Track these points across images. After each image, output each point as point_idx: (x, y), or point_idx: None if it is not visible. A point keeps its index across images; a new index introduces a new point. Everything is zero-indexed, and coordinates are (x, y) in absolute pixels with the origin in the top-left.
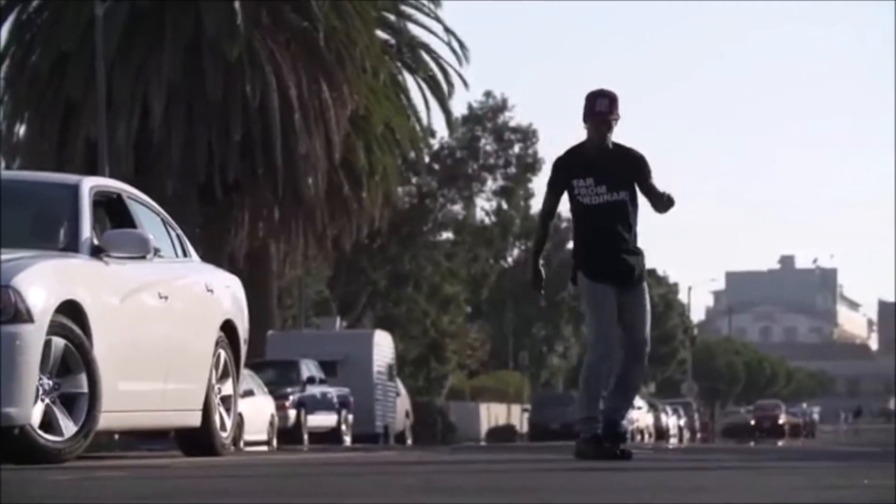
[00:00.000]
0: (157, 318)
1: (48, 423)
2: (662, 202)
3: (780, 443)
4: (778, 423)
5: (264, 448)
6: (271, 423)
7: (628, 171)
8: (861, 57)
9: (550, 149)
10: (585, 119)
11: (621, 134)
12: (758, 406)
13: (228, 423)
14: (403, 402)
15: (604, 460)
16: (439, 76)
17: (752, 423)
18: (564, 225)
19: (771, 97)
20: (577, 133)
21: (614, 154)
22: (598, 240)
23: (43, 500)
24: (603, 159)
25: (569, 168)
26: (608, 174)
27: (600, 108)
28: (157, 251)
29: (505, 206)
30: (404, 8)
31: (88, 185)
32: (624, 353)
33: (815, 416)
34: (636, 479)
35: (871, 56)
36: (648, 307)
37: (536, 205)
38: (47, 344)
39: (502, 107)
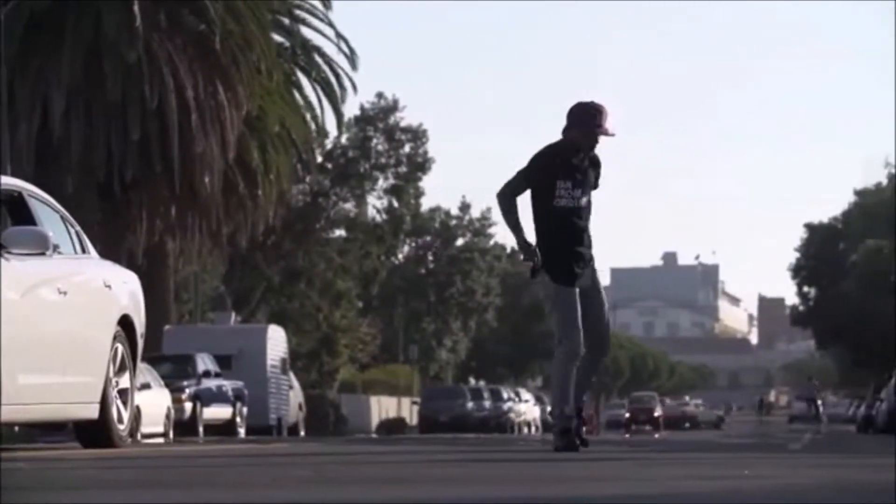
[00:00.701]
0: (57, 313)
1: None
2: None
3: (656, 435)
4: (653, 415)
5: (161, 440)
6: (167, 416)
7: (595, 177)
8: (738, 54)
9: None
10: (580, 125)
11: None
12: (633, 399)
13: (126, 415)
14: (296, 395)
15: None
16: (331, 79)
17: (627, 415)
18: (454, 222)
19: (652, 90)
20: (470, 133)
21: (591, 162)
22: (571, 243)
23: None
24: (582, 166)
25: (552, 167)
26: (585, 179)
27: (601, 121)
28: (56, 248)
29: (396, 204)
30: (298, 12)
31: None
32: (589, 349)
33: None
34: (521, 470)
35: (749, 53)
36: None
37: (426, 202)
38: None
39: (393, 107)
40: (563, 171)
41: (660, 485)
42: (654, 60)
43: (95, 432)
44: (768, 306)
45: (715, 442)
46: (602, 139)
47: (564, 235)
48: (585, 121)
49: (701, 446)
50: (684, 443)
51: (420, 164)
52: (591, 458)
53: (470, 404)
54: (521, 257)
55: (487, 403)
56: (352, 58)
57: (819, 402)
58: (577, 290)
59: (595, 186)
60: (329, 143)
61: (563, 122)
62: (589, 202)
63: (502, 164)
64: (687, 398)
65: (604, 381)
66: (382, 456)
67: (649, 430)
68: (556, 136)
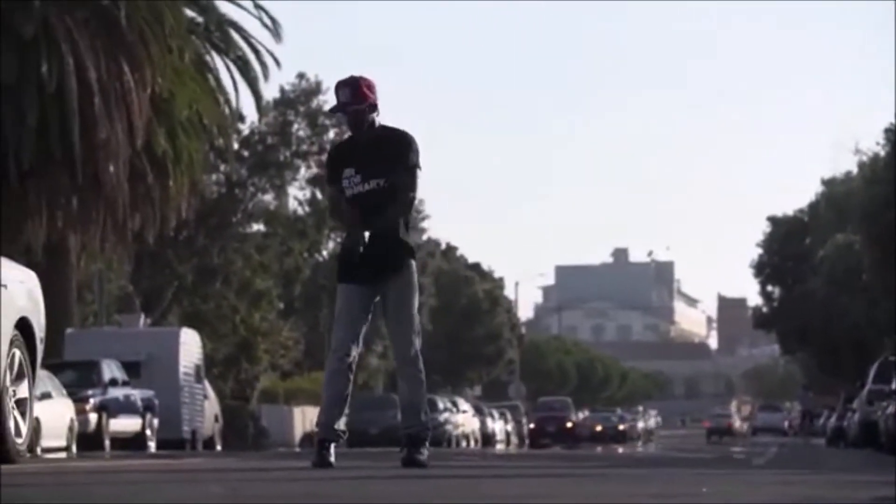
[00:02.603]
0: None
1: None
2: (397, 205)
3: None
4: (566, 426)
5: (63, 455)
6: (70, 428)
7: (390, 156)
8: (695, 29)
9: None
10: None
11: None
12: (540, 405)
13: (24, 427)
14: (212, 406)
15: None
16: (250, 56)
17: (531, 426)
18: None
19: (604, 68)
20: (402, 116)
21: (377, 140)
22: (351, 235)
23: None
24: (365, 147)
25: (336, 158)
26: (366, 163)
27: (342, 98)
28: None
29: (319, 195)
30: None
31: None
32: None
33: (652, 422)
34: (456, 488)
35: (706, 27)
36: (414, 301)
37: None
38: None
39: (316, 90)
40: (347, 160)
41: None
42: (606, 36)
43: None
44: (728, 307)
45: (668, 457)
46: (356, 114)
47: (350, 225)
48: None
49: (648, 462)
50: (621, 457)
51: None
52: (524, 475)
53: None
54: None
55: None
56: (275, 29)
57: (812, 415)
58: (357, 287)
59: (399, 165)
60: (246, 129)
61: (504, 99)
62: (384, 185)
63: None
64: (618, 409)
65: (548, 390)
66: (305, 472)
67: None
68: (492, 117)
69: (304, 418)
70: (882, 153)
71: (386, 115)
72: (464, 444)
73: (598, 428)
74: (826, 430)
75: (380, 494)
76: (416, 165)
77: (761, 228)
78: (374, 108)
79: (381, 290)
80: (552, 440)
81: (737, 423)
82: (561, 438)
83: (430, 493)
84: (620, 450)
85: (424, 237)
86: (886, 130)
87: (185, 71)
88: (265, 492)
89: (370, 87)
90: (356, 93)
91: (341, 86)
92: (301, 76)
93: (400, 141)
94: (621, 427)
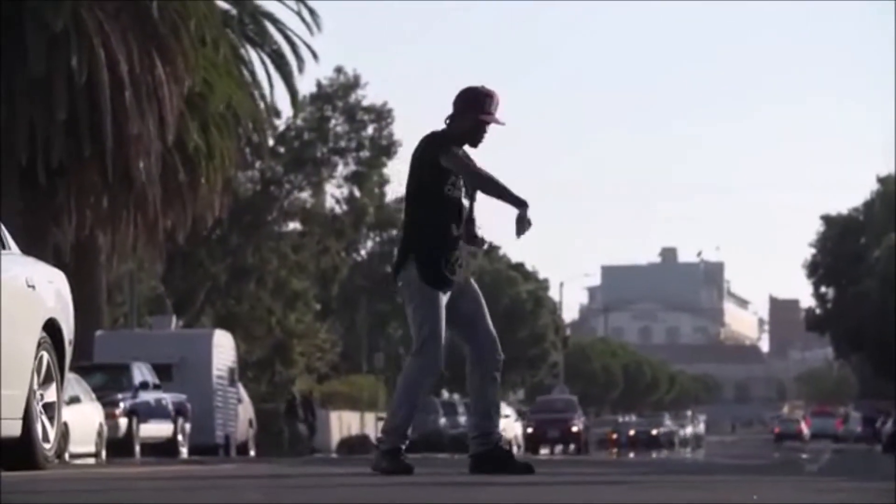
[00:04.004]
0: None
1: None
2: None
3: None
4: (571, 430)
5: (92, 461)
6: (99, 434)
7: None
8: (745, 32)
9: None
10: (468, 112)
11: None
12: (540, 405)
13: (52, 433)
14: (246, 410)
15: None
16: (286, 49)
17: (530, 430)
18: None
19: (651, 74)
20: (441, 113)
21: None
22: (450, 240)
23: None
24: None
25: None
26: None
27: (495, 110)
28: None
29: (357, 193)
30: None
31: None
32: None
33: (701, 427)
34: (500, 496)
35: (757, 31)
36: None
37: (391, 191)
38: None
39: (354, 84)
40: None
41: None
42: (656, 41)
43: (17, 452)
44: (780, 309)
45: (716, 463)
46: (486, 129)
47: (448, 230)
48: (474, 108)
49: (696, 468)
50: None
51: (385, 148)
52: (573, 483)
53: (443, 420)
54: (518, 218)
55: (463, 419)
56: (313, 21)
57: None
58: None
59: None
60: (282, 125)
61: (549, 97)
62: (470, 206)
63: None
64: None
65: (594, 394)
66: (342, 479)
67: (571, 450)
68: (533, 117)
69: (342, 423)
70: None
71: (432, 111)
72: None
73: (631, 432)
74: (881, 435)
75: (410, 500)
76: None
77: (815, 228)
78: None
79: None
80: (552, 447)
81: (805, 429)
82: (564, 442)
83: (490, 497)
84: (654, 455)
85: None
86: None
87: (219, 64)
88: (302, 499)
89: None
90: (497, 105)
91: (495, 98)
92: (339, 70)
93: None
94: (654, 432)
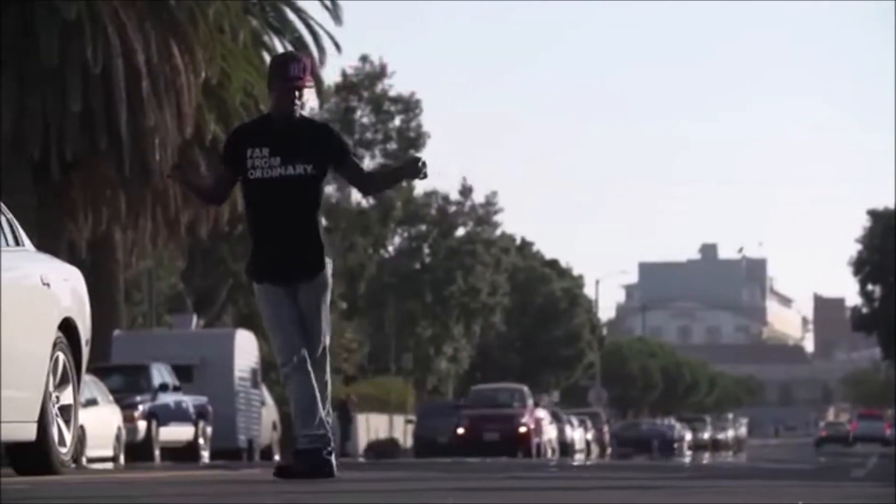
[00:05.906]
0: None
1: None
2: (381, 176)
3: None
4: (518, 432)
5: (110, 465)
6: (117, 437)
7: (317, 145)
8: (784, 23)
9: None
10: (272, 86)
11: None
12: (475, 395)
13: (68, 436)
14: (270, 413)
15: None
16: (308, 38)
17: (460, 431)
18: (453, 208)
19: (690, 63)
20: (471, 104)
21: (302, 126)
22: (267, 226)
23: None
24: (288, 130)
25: (243, 137)
26: (289, 146)
27: (294, 72)
28: None
29: None
30: None
31: None
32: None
33: (742, 430)
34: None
35: (798, 21)
36: (327, 307)
37: (421, 185)
38: None
39: (381, 74)
40: (257, 139)
41: None
42: (694, 32)
43: (32, 456)
44: (825, 308)
45: (759, 468)
46: (297, 92)
47: (263, 216)
48: (273, 78)
49: (740, 472)
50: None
51: (412, 140)
52: (611, 487)
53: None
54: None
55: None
56: (335, 10)
57: None
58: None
59: (335, 159)
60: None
61: (585, 91)
62: (311, 172)
63: (508, 140)
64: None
65: (632, 396)
66: (370, 485)
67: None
68: (568, 105)
69: (369, 426)
70: None
71: (461, 102)
72: (541, 453)
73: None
74: None
75: None
76: (353, 153)
77: (861, 223)
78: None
79: (295, 288)
80: (493, 451)
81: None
82: (509, 449)
83: None
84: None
85: (498, 232)
86: None
87: (239, 52)
88: None
89: (313, 69)
90: (306, 70)
91: (294, 59)
92: (364, 59)
93: (329, 130)
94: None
